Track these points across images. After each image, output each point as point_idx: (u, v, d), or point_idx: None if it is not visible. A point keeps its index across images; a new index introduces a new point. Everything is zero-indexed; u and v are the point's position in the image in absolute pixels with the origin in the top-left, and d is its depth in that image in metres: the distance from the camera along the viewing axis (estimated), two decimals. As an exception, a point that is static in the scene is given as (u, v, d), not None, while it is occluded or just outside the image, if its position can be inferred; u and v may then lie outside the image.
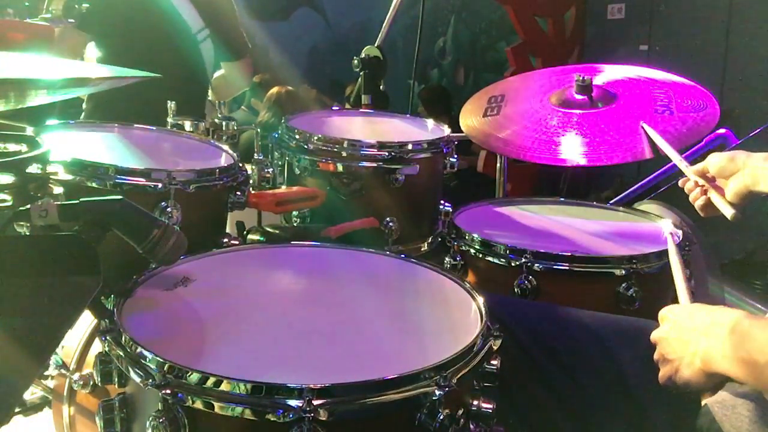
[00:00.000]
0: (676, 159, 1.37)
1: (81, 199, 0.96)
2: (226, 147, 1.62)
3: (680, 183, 1.30)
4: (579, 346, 1.16)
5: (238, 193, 1.45)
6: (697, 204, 1.24)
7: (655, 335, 0.98)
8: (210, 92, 2.62)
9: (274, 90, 4.22)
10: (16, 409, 1.69)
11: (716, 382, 0.88)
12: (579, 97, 1.77)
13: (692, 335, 0.89)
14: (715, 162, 1.19)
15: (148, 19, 2.31)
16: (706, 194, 1.22)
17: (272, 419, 0.79)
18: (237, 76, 2.62)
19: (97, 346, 0.95)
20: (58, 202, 0.94)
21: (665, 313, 0.98)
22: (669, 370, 0.92)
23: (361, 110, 2.32)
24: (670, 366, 0.92)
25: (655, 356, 0.96)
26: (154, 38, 2.30)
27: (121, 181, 1.27)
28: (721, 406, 0.91)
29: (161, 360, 0.84)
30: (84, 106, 2.40)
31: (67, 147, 1.38)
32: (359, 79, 2.53)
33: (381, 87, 2.55)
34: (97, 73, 1.11)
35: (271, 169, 1.72)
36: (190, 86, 2.40)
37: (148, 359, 0.86)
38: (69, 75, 0.97)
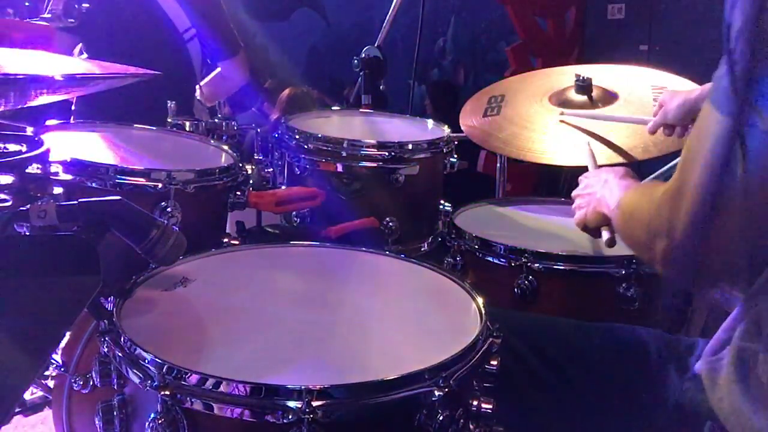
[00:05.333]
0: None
1: (79, 200, 0.96)
2: (226, 147, 1.62)
3: None
4: (575, 355, 1.16)
5: (238, 193, 1.45)
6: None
7: (574, 192, 1.31)
8: (198, 93, 2.61)
9: (286, 92, 4.21)
10: (16, 409, 1.69)
11: (606, 221, 1.18)
12: (579, 97, 1.77)
13: (596, 187, 1.22)
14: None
15: (135, 18, 2.30)
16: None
17: (271, 420, 0.79)
18: (234, 73, 2.61)
19: (97, 347, 0.95)
20: (57, 203, 0.94)
21: (582, 177, 1.33)
22: (579, 215, 1.26)
23: (361, 110, 2.32)
24: (580, 212, 1.26)
25: (573, 207, 1.29)
26: (142, 37, 2.29)
27: (121, 181, 1.27)
28: (709, 377, 0.92)
29: (160, 361, 0.84)
30: (73, 107, 2.40)
31: (67, 147, 1.38)
32: (359, 79, 2.53)
33: (381, 87, 2.55)
34: (99, 72, 1.11)
35: (271, 169, 1.72)
36: (177, 85, 2.39)
37: (147, 360, 0.86)
38: (72, 74, 0.97)
